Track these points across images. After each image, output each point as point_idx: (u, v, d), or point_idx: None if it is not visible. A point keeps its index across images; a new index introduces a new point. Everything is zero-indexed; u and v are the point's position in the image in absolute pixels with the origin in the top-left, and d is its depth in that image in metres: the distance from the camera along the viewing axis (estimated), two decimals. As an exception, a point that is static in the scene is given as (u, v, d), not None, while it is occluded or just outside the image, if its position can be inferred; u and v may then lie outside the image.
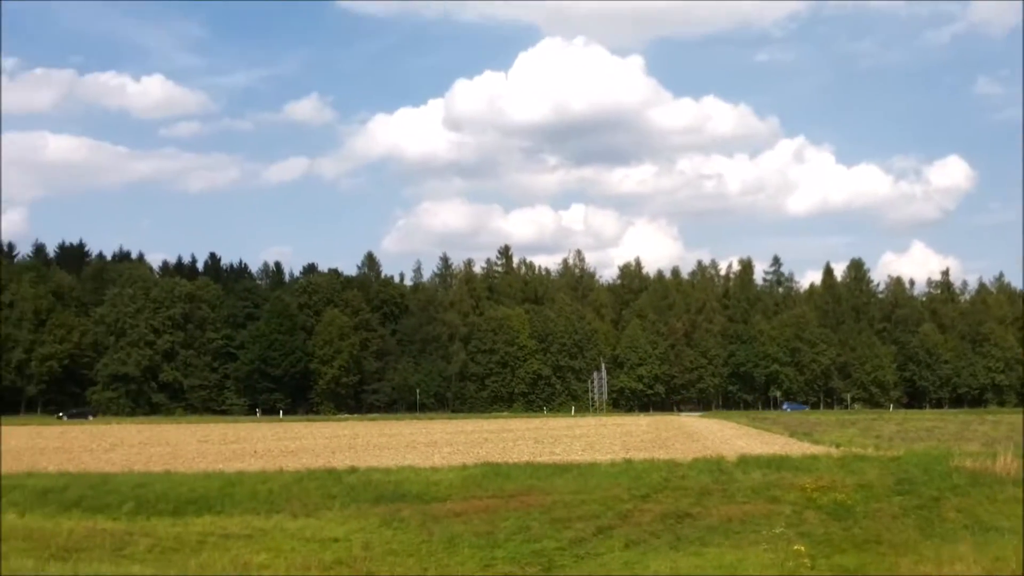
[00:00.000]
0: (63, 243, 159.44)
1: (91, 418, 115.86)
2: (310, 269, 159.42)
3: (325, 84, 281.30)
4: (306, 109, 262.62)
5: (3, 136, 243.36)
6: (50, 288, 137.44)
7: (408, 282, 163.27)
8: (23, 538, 18.46)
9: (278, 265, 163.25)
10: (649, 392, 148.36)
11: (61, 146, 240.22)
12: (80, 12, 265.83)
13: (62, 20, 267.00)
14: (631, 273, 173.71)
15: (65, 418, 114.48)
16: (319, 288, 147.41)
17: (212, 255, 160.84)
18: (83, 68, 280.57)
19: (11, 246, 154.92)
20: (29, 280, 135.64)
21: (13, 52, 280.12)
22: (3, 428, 70.79)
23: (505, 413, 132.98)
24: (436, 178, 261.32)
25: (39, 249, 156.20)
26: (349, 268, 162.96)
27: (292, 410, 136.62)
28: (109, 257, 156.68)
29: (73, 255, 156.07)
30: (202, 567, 14.64)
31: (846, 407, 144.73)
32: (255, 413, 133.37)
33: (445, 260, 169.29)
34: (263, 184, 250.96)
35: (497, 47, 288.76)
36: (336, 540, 18.13)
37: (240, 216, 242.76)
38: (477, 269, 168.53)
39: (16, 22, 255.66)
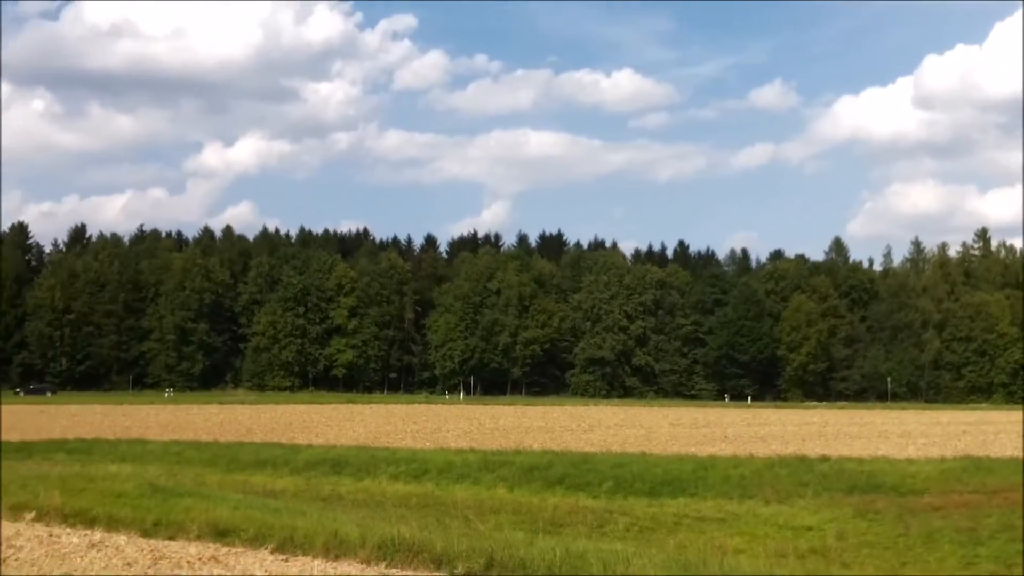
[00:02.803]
0: (543, 233, 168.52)
1: (49, 394, 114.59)
2: (776, 255, 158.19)
3: (789, 69, 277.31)
4: (770, 95, 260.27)
5: (491, 135, 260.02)
6: (532, 276, 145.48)
7: (877, 267, 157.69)
8: (513, 511, 19.87)
9: (744, 251, 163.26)
10: None
11: (541, 142, 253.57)
12: (556, 14, 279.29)
13: (539, 23, 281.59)
14: None
15: (22, 394, 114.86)
16: (786, 274, 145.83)
17: (680, 242, 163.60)
18: (559, 67, 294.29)
19: (497, 236, 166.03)
20: (514, 268, 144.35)
21: (497, 56, 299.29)
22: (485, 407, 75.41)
23: (984, 404, 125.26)
24: (905, 159, 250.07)
25: (522, 239, 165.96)
26: (815, 253, 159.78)
27: (760, 396, 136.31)
28: (585, 246, 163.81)
29: (552, 244, 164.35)
30: (679, 547, 15.14)
31: None
32: (723, 398, 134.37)
33: (917, 244, 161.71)
34: (728, 171, 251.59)
35: (970, 19, 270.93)
36: (809, 528, 18.12)
37: (706, 203, 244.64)
38: (952, 253, 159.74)
39: (499, 28, 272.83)
